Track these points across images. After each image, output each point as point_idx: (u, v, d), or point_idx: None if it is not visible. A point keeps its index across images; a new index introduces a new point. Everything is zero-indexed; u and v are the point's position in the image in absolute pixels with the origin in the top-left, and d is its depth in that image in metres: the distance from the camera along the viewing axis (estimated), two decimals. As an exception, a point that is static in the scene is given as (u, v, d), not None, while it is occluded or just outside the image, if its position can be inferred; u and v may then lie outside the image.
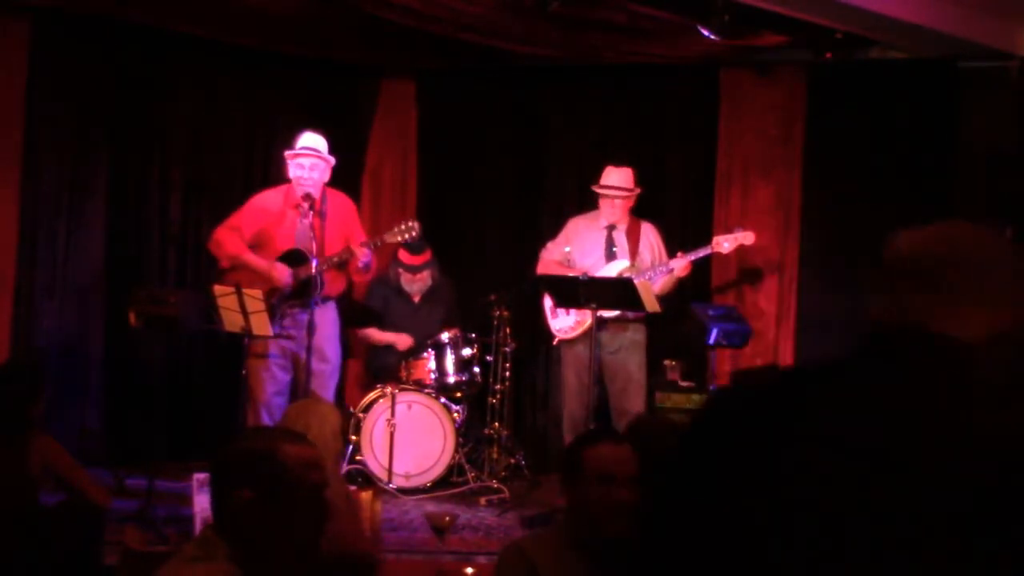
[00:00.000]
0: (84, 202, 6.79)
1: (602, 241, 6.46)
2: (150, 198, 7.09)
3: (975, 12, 6.08)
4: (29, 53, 6.47)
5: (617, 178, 6.42)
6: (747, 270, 6.98)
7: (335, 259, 5.95)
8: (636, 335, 6.40)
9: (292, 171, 6.04)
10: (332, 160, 6.11)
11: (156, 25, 6.62)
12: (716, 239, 6.39)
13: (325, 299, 6.10)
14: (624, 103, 7.41)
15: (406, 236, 5.99)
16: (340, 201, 6.23)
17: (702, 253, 6.42)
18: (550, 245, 6.63)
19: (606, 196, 6.41)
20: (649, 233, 6.51)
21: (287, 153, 6.09)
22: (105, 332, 6.82)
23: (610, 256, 6.43)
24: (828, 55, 6.50)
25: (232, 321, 5.61)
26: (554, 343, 6.66)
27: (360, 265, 6.02)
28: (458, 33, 6.43)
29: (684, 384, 6.79)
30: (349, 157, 7.54)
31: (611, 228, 6.47)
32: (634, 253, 6.42)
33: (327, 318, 6.15)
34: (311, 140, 6.08)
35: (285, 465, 2.09)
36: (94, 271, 6.84)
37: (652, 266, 6.38)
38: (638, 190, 6.45)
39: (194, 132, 7.23)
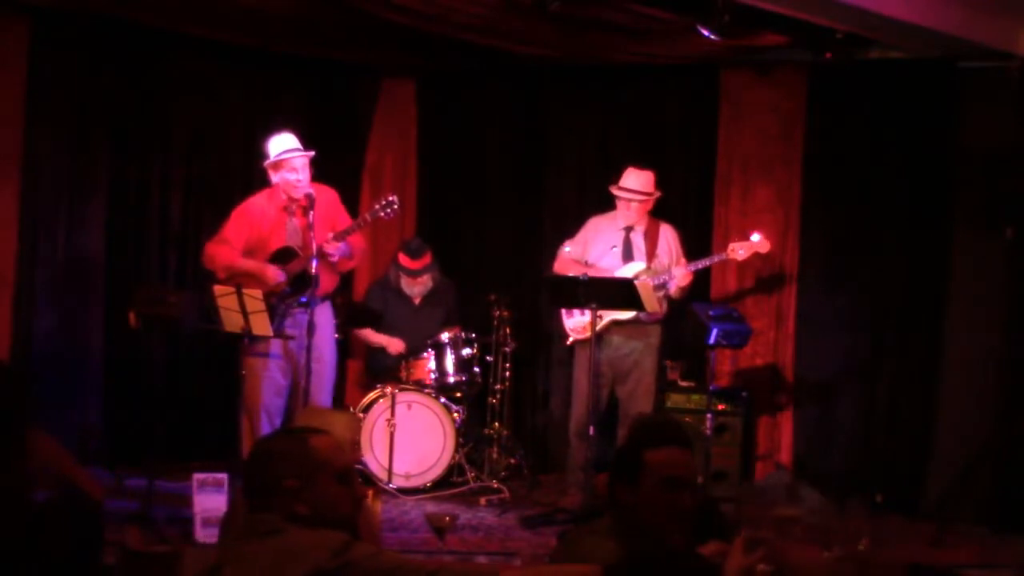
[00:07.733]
0: (84, 202, 6.78)
1: (619, 242, 6.39)
2: (150, 198, 7.09)
3: (975, 12, 6.07)
4: (29, 53, 6.46)
5: (635, 181, 6.32)
6: (747, 269, 6.96)
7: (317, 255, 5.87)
8: (651, 338, 6.36)
9: (283, 176, 5.90)
10: (312, 152, 6.01)
11: (156, 25, 6.62)
12: (732, 246, 6.35)
13: (323, 297, 6.08)
14: (624, 103, 7.40)
15: (387, 211, 5.86)
16: (321, 193, 6.05)
17: (716, 259, 6.40)
18: (569, 243, 6.54)
19: (622, 198, 6.34)
20: (667, 235, 6.43)
21: (268, 163, 5.94)
22: (105, 332, 6.81)
23: (627, 257, 6.37)
24: (828, 55, 6.49)
25: (232, 321, 5.61)
26: (567, 342, 6.55)
27: (335, 260, 5.88)
28: (458, 33, 6.43)
29: (684, 384, 6.79)
30: (349, 157, 7.55)
31: (628, 229, 6.39)
32: (651, 255, 6.34)
33: (324, 317, 6.10)
34: (290, 141, 5.95)
35: (317, 453, 2.48)
36: (94, 271, 6.83)
37: (668, 268, 6.32)
38: (657, 194, 6.35)
39: (195, 132, 7.23)
